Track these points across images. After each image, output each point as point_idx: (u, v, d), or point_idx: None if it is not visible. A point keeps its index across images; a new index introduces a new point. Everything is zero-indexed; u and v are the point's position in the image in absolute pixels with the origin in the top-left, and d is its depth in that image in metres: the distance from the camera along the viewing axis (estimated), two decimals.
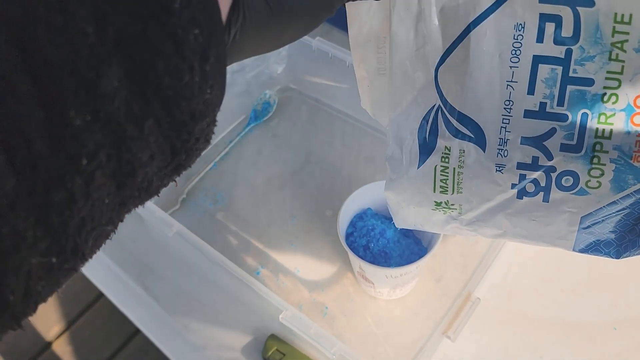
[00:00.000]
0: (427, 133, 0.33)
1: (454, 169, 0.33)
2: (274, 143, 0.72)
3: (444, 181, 0.34)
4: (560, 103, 0.29)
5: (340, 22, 0.83)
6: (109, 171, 0.20)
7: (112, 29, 0.20)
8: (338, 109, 0.74)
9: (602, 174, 0.30)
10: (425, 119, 0.33)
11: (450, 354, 0.53)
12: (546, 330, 0.55)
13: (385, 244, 0.53)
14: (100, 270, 0.61)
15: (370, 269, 0.51)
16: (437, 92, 0.32)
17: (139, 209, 0.61)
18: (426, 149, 0.34)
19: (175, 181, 0.24)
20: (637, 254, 0.33)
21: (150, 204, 0.54)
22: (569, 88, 0.29)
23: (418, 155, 0.34)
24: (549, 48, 0.29)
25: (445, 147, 0.33)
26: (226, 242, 0.63)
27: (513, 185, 0.32)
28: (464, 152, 0.32)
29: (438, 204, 0.35)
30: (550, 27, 0.29)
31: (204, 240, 0.53)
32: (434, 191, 0.34)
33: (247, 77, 0.73)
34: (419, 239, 0.56)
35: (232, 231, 0.64)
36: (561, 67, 0.29)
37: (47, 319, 1.35)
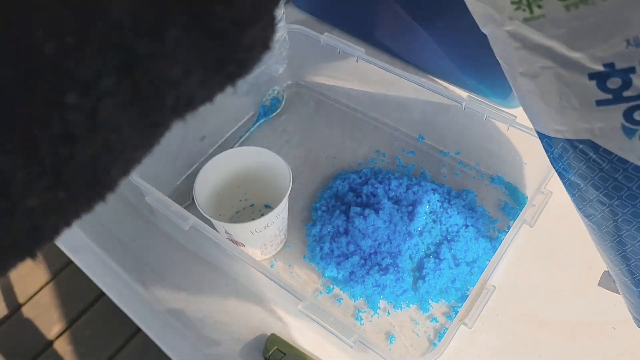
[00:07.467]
0: None
1: None
2: (283, 138, 0.72)
3: None
4: None
5: (341, 22, 0.83)
6: (123, 98, 0.16)
7: None
8: (347, 103, 0.75)
9: None
10: None
11: (449, 353, 0.53)
12: (546, 330, 0.55)
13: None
14: (100, 269, 0.61)
15: (236, 229, 0.53)
16: None
17: (154, 204, 0.60)
18: None
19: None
20: None
21: (165, 198, 0.54)
22: None
23: None
24: None
25: None
26: None
27: None
28: None
29: None
30: None
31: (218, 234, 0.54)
32: None
33: (248, 79, 0.74)
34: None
35: None
36: None
37: (48, 319, 1.35)
